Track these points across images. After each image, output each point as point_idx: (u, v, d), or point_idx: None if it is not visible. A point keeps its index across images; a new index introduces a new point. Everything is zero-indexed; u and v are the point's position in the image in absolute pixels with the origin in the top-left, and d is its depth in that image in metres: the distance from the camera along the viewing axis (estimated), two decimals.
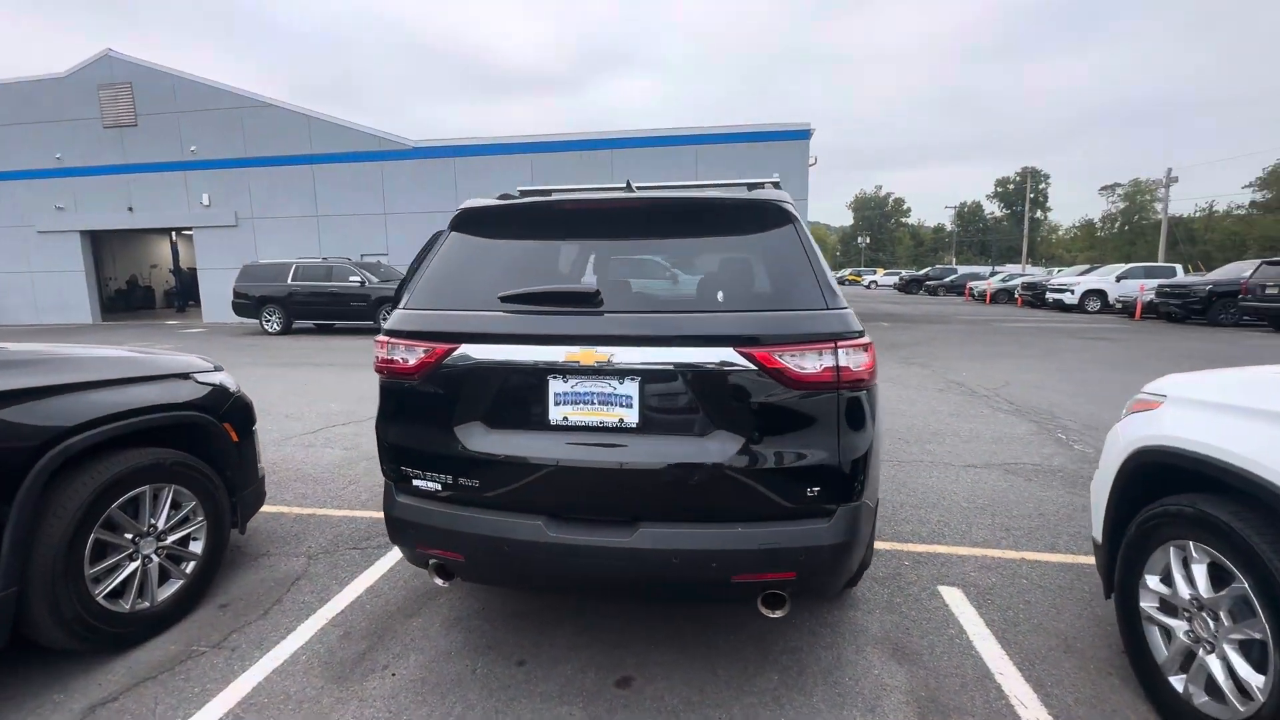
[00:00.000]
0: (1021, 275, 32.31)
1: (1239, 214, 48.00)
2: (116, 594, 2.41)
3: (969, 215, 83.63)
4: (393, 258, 18.47)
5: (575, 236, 2.24)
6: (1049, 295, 22.44)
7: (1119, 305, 20.03)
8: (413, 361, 2.07)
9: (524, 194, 2.98)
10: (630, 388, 1.92)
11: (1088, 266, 26.06)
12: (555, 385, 1.96)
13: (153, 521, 2.55)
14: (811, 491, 1.90)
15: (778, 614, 1.98)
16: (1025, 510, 3.79)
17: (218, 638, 2.52)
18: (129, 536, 2.46)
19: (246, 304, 15.78)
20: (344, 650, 2.43)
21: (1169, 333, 14.29)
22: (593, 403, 1.95)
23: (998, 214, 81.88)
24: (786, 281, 1.97)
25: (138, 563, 2.48)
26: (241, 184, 19.13)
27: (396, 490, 2.19)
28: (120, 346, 2.92)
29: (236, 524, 2.98)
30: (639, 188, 2.54)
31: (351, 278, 15.11)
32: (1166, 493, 2.09)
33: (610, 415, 1.94)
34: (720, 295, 1.96)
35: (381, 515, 3.78)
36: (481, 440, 2.02)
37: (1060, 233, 77.16)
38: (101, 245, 22.55)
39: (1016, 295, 25.80)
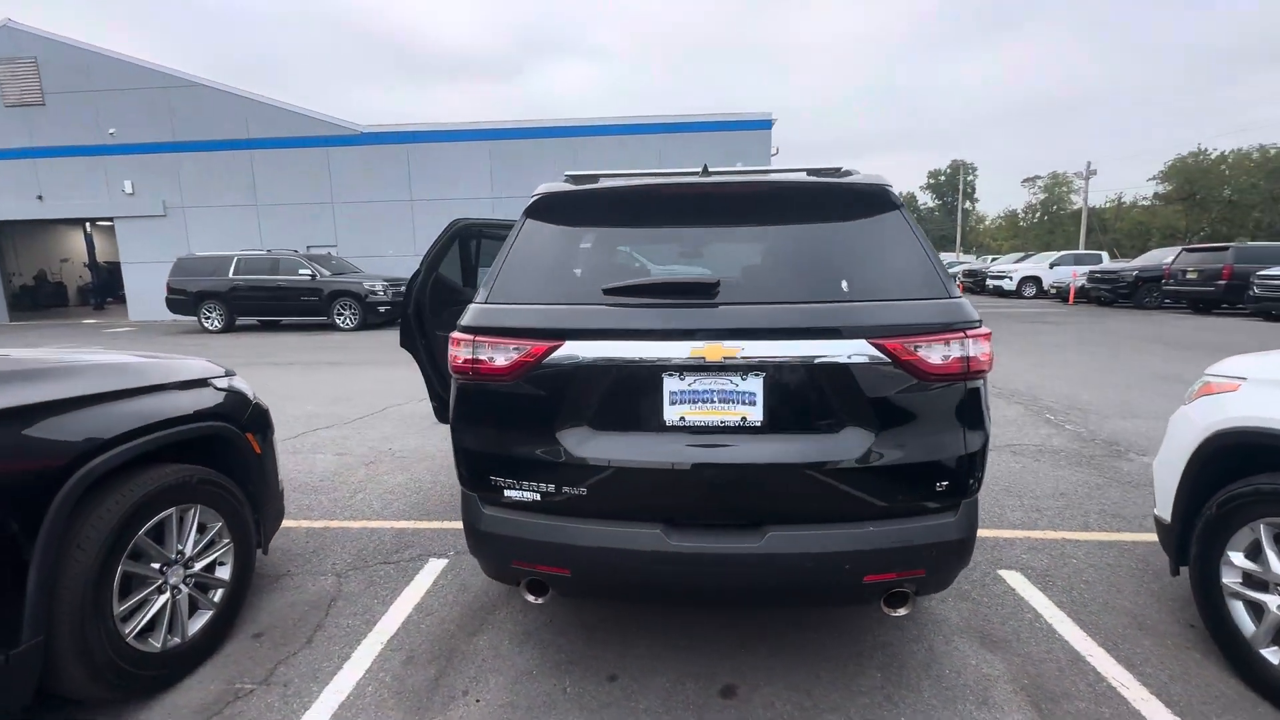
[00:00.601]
0: (959, 263, 33.91)
1: (1144, 205, 51.85)
2: (146, 631, 2.12)
3: (906, 206, 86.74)
4: (343, 249, 17.55)
5: (665, 223, 2.09)
6: (989, 282, 23.64)
7: (1053, 290, 21.28)
8: (506, 362, 1.89)
9: (570, 179, 2.81)
10: (754, 384, 1.81)
11: (1022, 255, 27.56)
12: (671, 383, 1.83)
13: (180, 547, 2.26)
14: (940, 486, 1.84)
15: (901, 612, 1.93)
16: (1046, 490, 3.91)
17: (262, 673, 2.26)
18: (157, 566, 2.17)
19: (182, 300, 14.66)
20: (413, 677, 2.23)
21: (1104, 316, 15.27)
22: (712, 401, 1.82)
23: (931, 205, 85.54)
24: (905, 270, 1.90)
25: (167, 595, 2.19)
26: (170, 171, 17.69)
27: (482, 502, 2.00)
28: (118, 351, 2.57)
29: (260, 543, 2.69)
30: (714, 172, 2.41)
31: (301, 271, 14.26)
32: (1247, 473, 2.16)
33: (732, 414, 1.82)
34: (845, 285, 1.87)
35: (408, 525, 3.66)
36: (589, 445, 1.86)
37: (987, 222, 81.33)
38: (3, 238, 20.45)
39: (958, 281, 27.06)
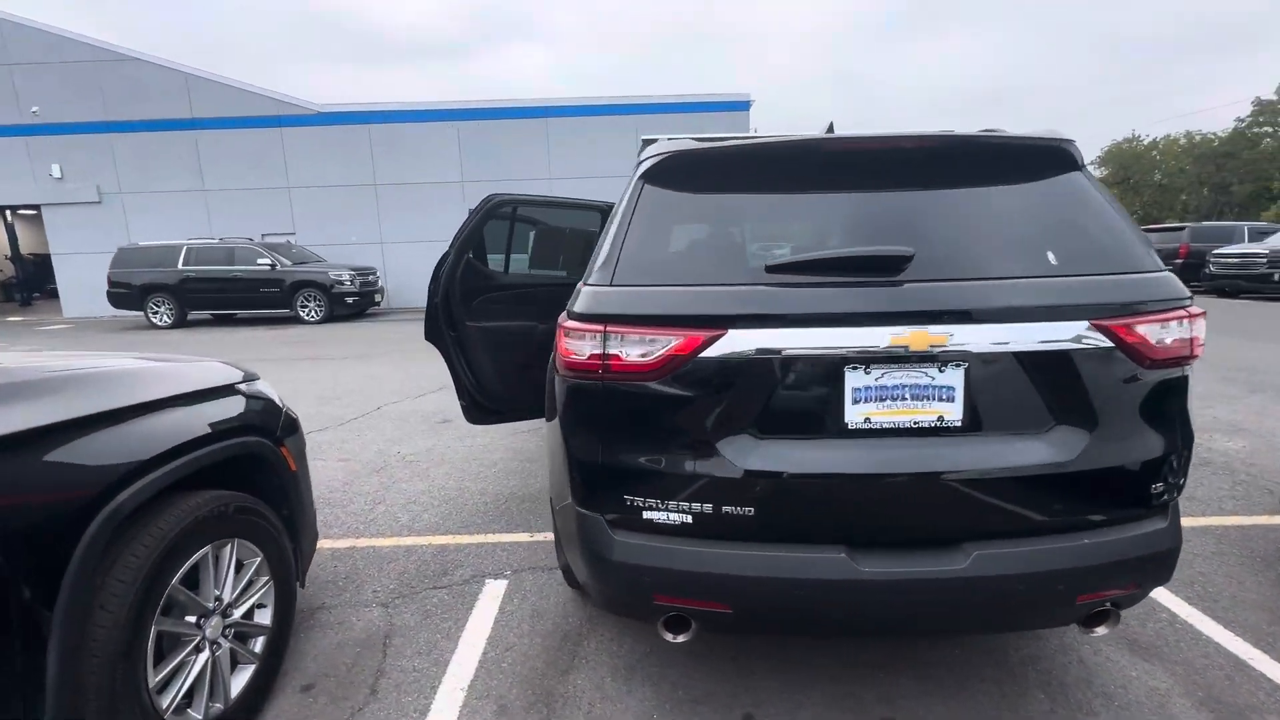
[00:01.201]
0: None
1: None
2: (185, 700, 1.71)
3: None
4: (301, 237, 16.52)
5: (821, 186, 1.73)
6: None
7: None
8: (652, 357, 1.54)
9: (647, 142, 2.46)
10: (953, 376, 1.51)
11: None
12: (854, 378, 1.52)
13: (217, 593, 1.84)
14: (1155, 488, 1.60)
15: (1101, 631, 1.69)
16: None
17: None
18: (194, 620, 1.75)
19: (126, 294, 13.52)
20: None
21: None
22: (904, 398, 1.52)
23: None
24: (1103, 239, 1.63)
25: (206, 653, 1.78)
26: (104, 153, 16.24)
27: (613, 526, 1.66)
28: (121, 353, 2.10)
29: (299, 576, 2.28)
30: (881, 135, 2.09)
31: (260, 260, 13.32)
32: None
33: (926, 412, 1.53)
34: (1051, 258, 1.58)
35: (448, 540, 3.23)
36: (754, 455, 1.53)
37: None
38: None
39: None
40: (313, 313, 13.46)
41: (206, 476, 1.86)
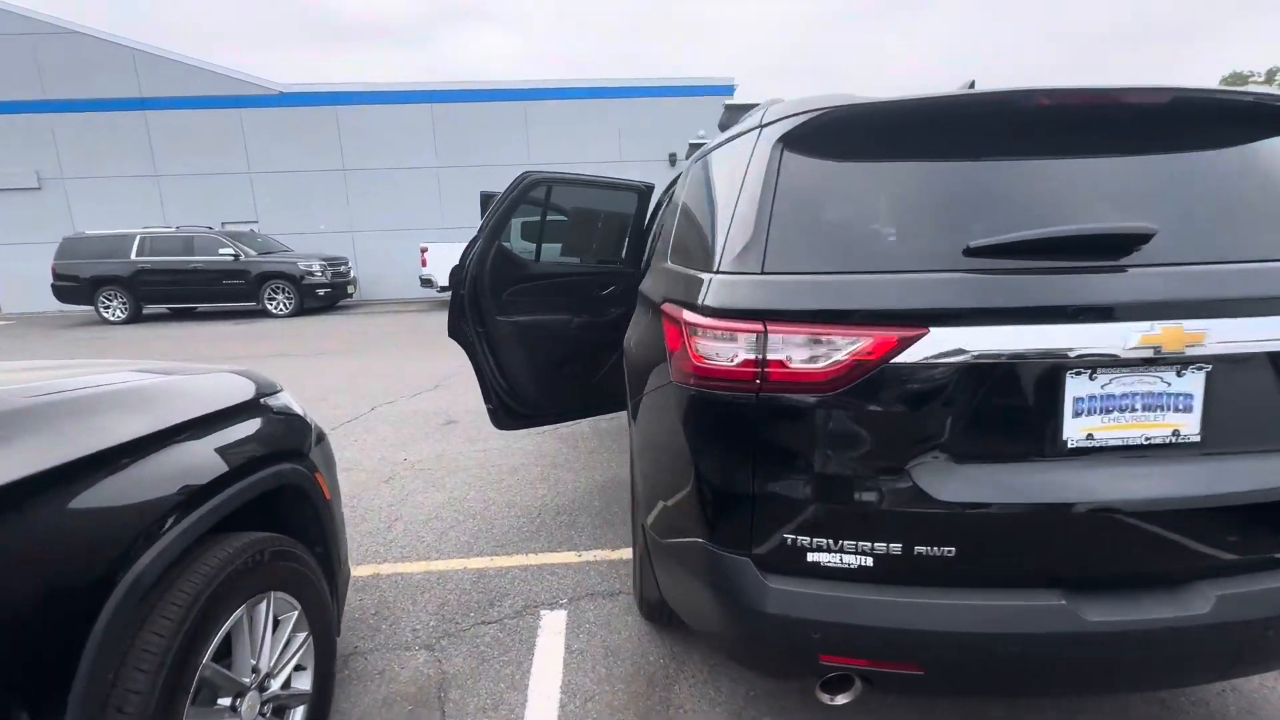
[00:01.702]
0: None
1: None
2: None
3: None
4: (265, 225, 15.62)
5: (1015, 151, 1.40)
6: None
7: None
8: (827, 363, 1.23)
9: (733, 109, 2.12)
10: (1192, 382, 1.24)
11: None
12: (1076, 386, 1.23)
13: (254, 663, 1.47)
14: None
15: None
16: None
17: None
18: (228, 702, 1.38)
19: (74, 287, 12.55)
20: None
21: None
22: (1133, 409, 1.24)
23: None
24: None
25: None
26: (42, 135, 15.02)
27: (764, 569, 1.35)
28: (114, 363, 1.68)
29: (335, 625, 1.91)
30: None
31: (222, 250, 12.50)
32: None
33: (1159, 426, 1.25)
34: None
35: (485, 564, 2.81)
36: (955, 483, 1.24)
37: None
38: None
39: None
40: (282, 305, 12.72)
41: (234, 518, 1.48)
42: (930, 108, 1.35)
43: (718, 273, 1.40)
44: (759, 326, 1.27)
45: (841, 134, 1.39)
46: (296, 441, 1.75)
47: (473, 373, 3.14)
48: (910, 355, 1.20)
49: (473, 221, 14.12)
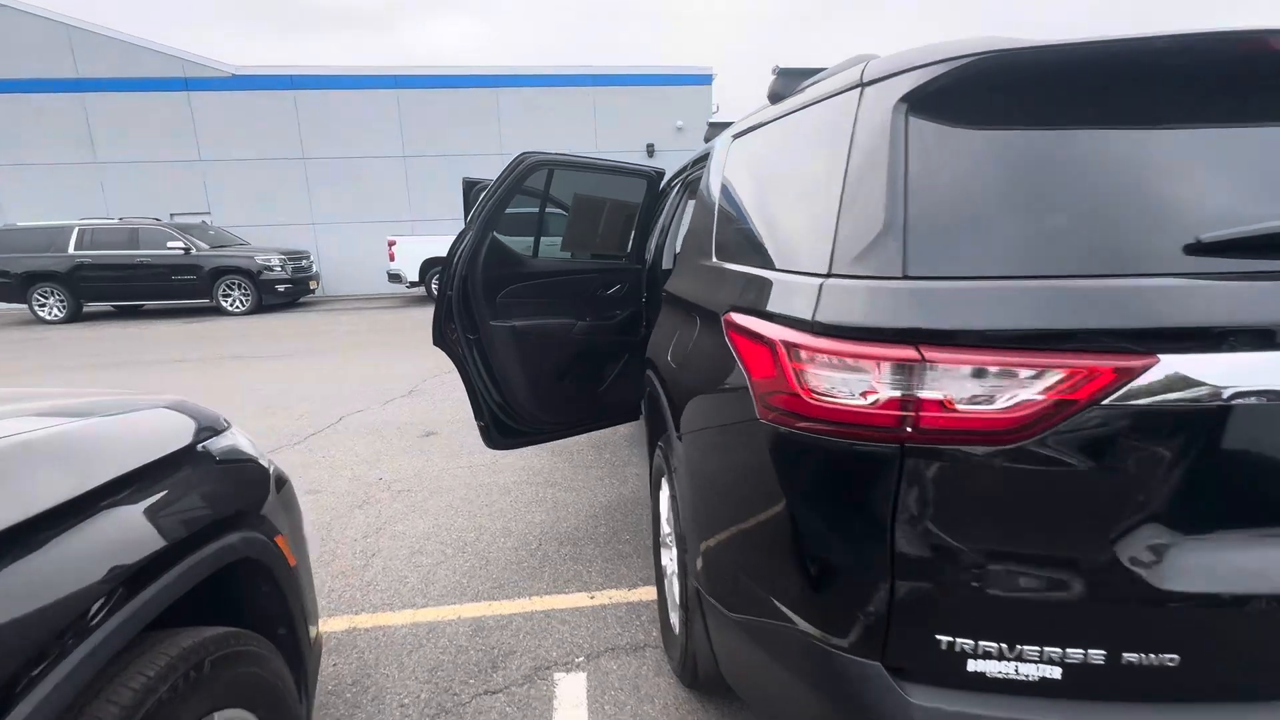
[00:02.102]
0: None
1: None
2: None
3: None
4: (218, 216, 14.70)
5: (1223, 114, 1.04)
6: None
7: None
8: (1013, 404, 0.88)
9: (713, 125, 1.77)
10: None
11: None
12: None
13: None
14: None
15: None
16: None
17: None
18: None
19: (4, 284, 11.56)
20: None
21: None
22: None
23: None
24: None
25: None
26: None
27: (904, 680, 0.99)
28: (21, 396, 1.23)
29: None
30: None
31: (171, 244, 11.65)
32: None
33: None
34: None
35: (482, 611, 2.36)
36: (1181, 564, 0.91)
37: None
38: None
39: None
40: (238, 303, 11.94)
41: (171, 611, 1.06)
42: (1124, 53, 1.00)
43: (833, 276, 1.03)
44: (911, 353, 0.91)
45: (995, 90, 1.03)
46: (251, 498, 1.33)
47: (453, 376, 2.73)
48: (1131, 392, 0.86)
49: (443, 213, 13.58)
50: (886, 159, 1.04)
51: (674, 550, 2.03)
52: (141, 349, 8.70)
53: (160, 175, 14.59)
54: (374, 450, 4.21)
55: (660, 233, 3.23)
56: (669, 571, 2.10)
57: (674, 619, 1.97)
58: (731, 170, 1.87)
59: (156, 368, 7.25)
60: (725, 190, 1.84)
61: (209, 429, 1.36)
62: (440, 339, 2.62)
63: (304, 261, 12.97)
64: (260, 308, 12.08)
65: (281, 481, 1.50)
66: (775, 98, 1.74)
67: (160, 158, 14.51)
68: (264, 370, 6.91)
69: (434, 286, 12.99)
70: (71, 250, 11.46)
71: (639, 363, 3.17)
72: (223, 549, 1.17)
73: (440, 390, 5.70)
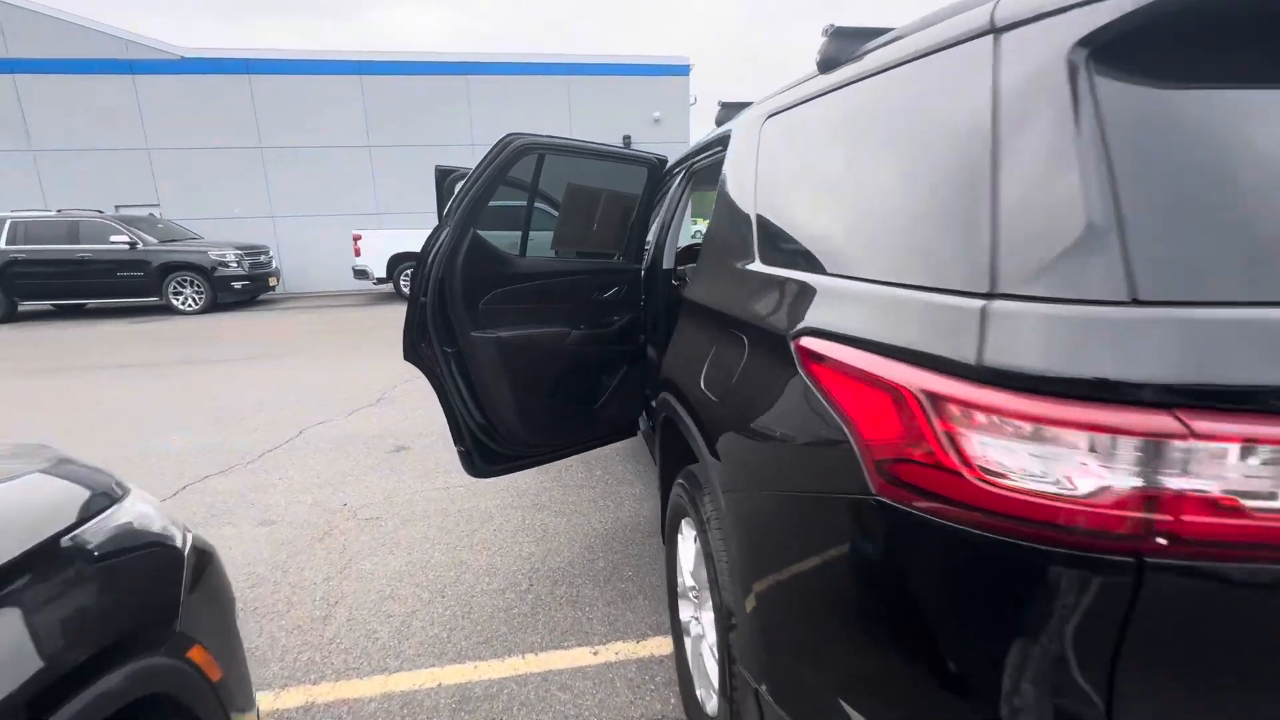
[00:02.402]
0: None
1: None
2: None
3: None
4: (169, 208, 13.83)
5: None
6: None
7: None
8: None
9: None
10: None
11: None
12: None
13: None
14: None
15: None
16: None
17: None
18: None
19: None
20: None
21: None
22: None
23: None
24: None
25: None
26: None
27: None
28: None
29: None
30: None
31: (115, 238, 10.86)
32: None
33: None
34: None
35: (469, 675, 1.95)
36: None
37: None
38: None
39: None
40: (190, 301, 11.21)
41: None
42: None
43: (1003, 298, 0.71)
44: (1168, 423, 0.59)
45: (1137, 41, 0.71)
46: (155, 606, 0.96)
47: (426, 381, 2.35)
48: None
49: (410, 206, 13.01)
50: (1071, 130, 0.72)
51: (701, 611, 1.70)
52: (82, 352, 8.02)
53: (104, 164, 13.65)
54: (338, 470, 3.79)
55: (661, 228, 2.89)
56: (692, 632, 1.78)
57: (702, 695, 1.64)
58: (771, 155, 1.54)
59: (98, 373, 6.63)
60: (766, 179, 1.51)
61: (105, 499, 0.97)
62: (413, 353, 2.24)
63: (262, 256, 12.25)
64: (215, 306, 11.36)
65: (201, 567, 1.12)
66: (830, 64, 1.42)
67: (103, 145, 13.57)
68: (217, 375, 6.36)
69: (403, 284, 12.42)
70: (3, 245, 10.59)
71: (638, 375, 2.84)
72: (122, 687, 0.80)
73: (411, 398, 5.27)
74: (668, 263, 2.91)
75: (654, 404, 3.08)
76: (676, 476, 1.89)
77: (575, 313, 2.56)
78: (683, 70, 15.33)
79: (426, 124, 14.49)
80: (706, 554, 1.45)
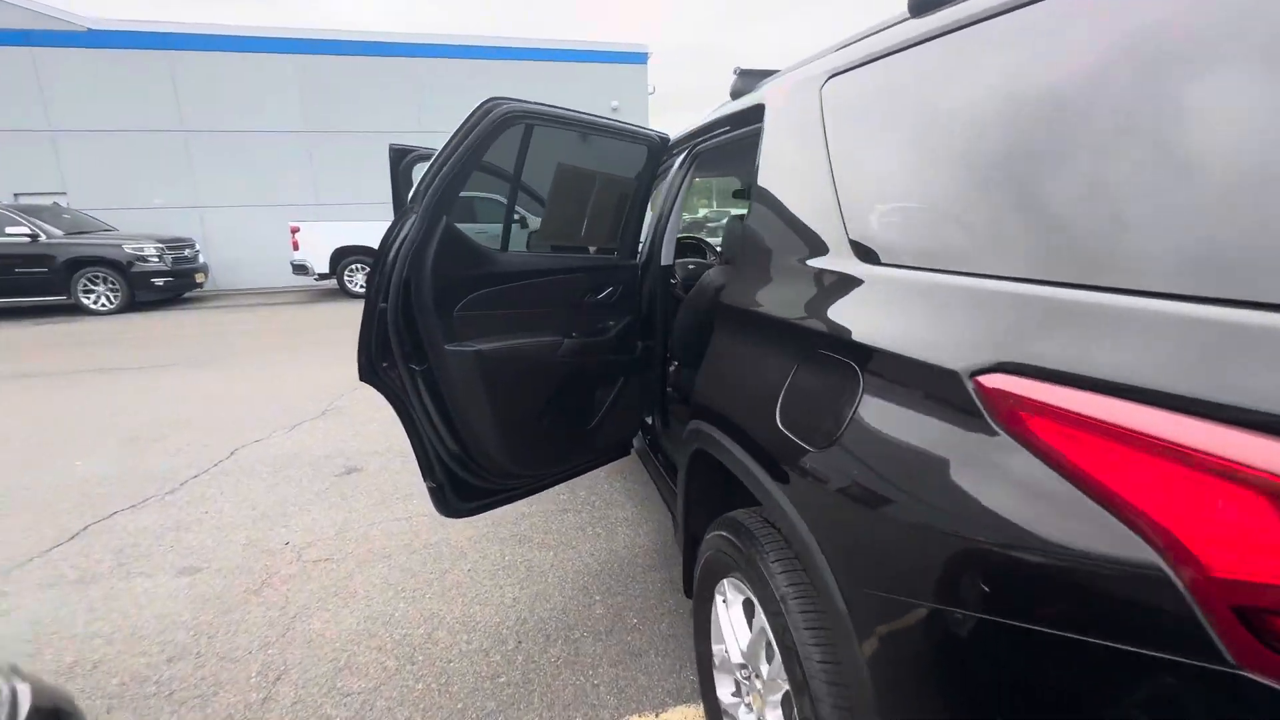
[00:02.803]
0: None
1: None
2: None
3: None
4: (78, 197, 12.51)
5: None
6: None
7: None
8: None
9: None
10: None
11: None
12: None
13: None
14: None
15: None
16: None
17: None
18: None
19: None
20: None
21: None
22: None
23: None
24: None
25: None
26: None
27: None
28: None
29: None
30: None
31: (12, 229, 9.68)
32: None
33: None
34: None
35: None
36: None
37: None
38: None
39: None
40: (104, 300, 10.12)
41: None
42: None
43: None
44: None
45: None
46: None
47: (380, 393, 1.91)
48: None
49: (354, 196, 12.15)
50: None
51: (753, 695, 1.36)
52: None
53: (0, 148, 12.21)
54: (277, 499, 3.27)
55: (659, 219, 2.53)
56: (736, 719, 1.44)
57: None
58: (853, 121, 1.19)
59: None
60: (848, 152, 1.16)
61: None
62: (371, 373, 1.80)
63: (187, 251, 11.21)
64: (133, 305, 10.30)
65: None
66: (923, 7, 1.09)
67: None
68: (134, 386, 5.61)
69: (348, 280, 11.61)
70: None
71: (635, 388, 2.47)
72: None
73: (363, 408, 4.73)
74: (666, 258, 2.55)
75: (651, 421, 2.73)
76: (711, 523, 1.54)
77: (567, 317, 2.16)
78: (640, 59, 14.92)
79: (370, 110, 13.60)
80: (784, 647, 1.10)
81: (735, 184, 4.01)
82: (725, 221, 2.60)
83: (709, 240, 4.78)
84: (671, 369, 2.85)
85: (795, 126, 1.40)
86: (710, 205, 14.52)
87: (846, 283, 1.04)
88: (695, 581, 1.61)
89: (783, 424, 1.08)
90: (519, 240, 2.62)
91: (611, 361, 2.33)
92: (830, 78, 1.34)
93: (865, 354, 0.92)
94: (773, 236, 1.35)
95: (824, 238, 1.15)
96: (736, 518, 1.41)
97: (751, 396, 1.22)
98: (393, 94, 13.70)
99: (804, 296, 1.14)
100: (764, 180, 1.46)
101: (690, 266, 3.84)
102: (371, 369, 1.79)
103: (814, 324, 1.07)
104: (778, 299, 1.23)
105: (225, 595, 2.42)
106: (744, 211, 2.73)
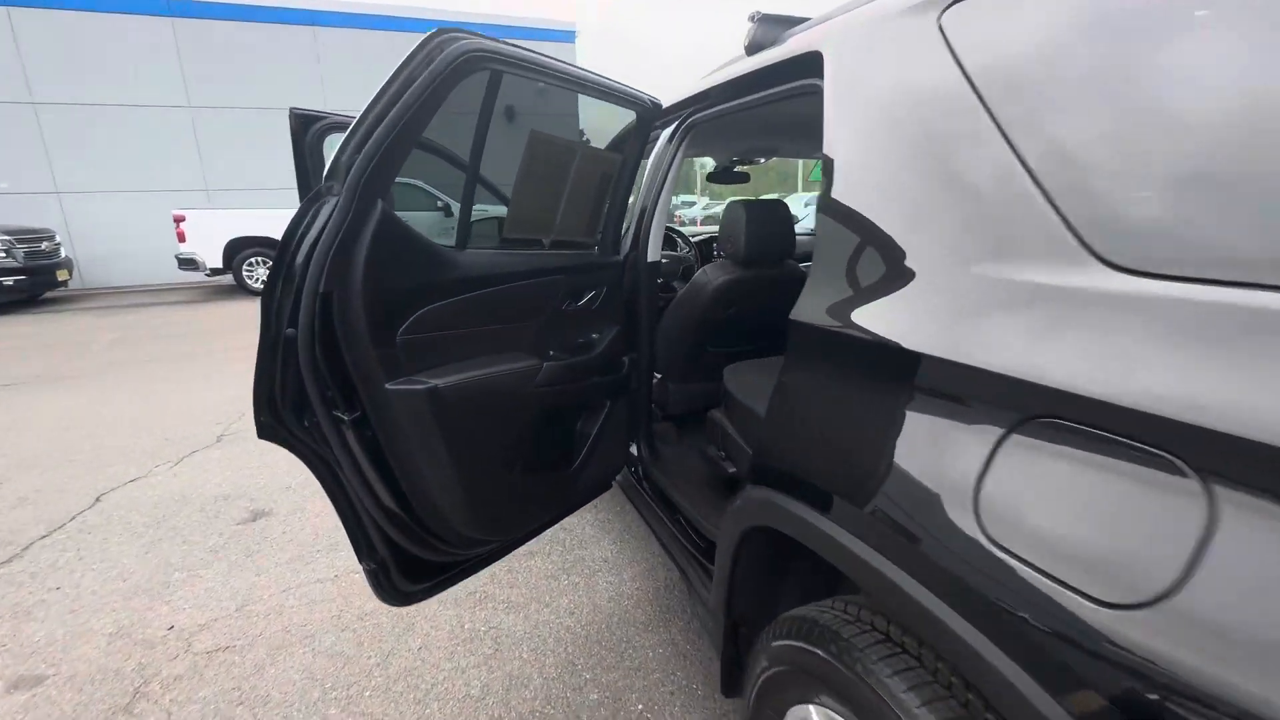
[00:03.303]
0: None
1: None
2: None
3: None
4: None
5: None
6: None
7: None
8: None
9: None
10: None
11: None
12: None
13: None
14: None
15: None
16: None
17: None
18: None
19: None
20: None
21: None
22: None
23: None
24: None
25: None
26: None
27: None
28: None
29: None
30: None
31: None
32: None
33: None
34: None
35: None
36: None
37: None
38: None
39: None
40: None
41: None
42: None
43: None
44: None
45: None
46: None
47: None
48: None
49: (250, 180, 10.88)
50: None
51: None
52: None
53: None
54: (158, 562, 2.58)
55: (644, 206, 2.07)
56: None
57: None
58: (1033, 60, 0.79)
59: None
60: (1044, 110, 0.76)
61: None
62: (276, 427, 1.24)
63: (45, 244, 9.58)
64: None
65: None
66: None
67: None
68: None
69: (246, 275, 10.33)
70: None
71: (622, 413, 2.02)
72: None
73: None
74: (653, 254, 2.10)
75: (637, 450, 2.29)
76: (774, 623, 1.13)
77: (543, 333, 1.67)
78: (568, 37, 14.19)
79: (266, 83, 12.14)
80: None
81: (709, 165, 3.60)
82: (724, 208, 2.17)
83: (681, 230, 4.35)
84: (655, 382, 2.43)
85: (897, 80, 0.99)
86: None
87: (1102, 305, 0.64)
88: (750, 702, 1.20)
89: (993, 542, 0.67)
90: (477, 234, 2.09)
91: (597, 384, 1.87)
92: (948, 7, 0.94)
93: (1204, 444, 0.52)
94: (900, 232, 0.93)
95: (1019, 234, 0.74)
96: (822, 621, 1.01)
97: (916, 489, 0.79)
98: (291, 66, 12.30)
99: (1007, 327, 0.72)
100: (849, 157, 1.04)
101: (663, 260, 3.40)
102: (276, 421, 1.24)
103: (1049, 377, 0.66)
104: (942, 330, 0.80)
105: (73, 716, 1.78)
106: (739, 198, 2.32)
